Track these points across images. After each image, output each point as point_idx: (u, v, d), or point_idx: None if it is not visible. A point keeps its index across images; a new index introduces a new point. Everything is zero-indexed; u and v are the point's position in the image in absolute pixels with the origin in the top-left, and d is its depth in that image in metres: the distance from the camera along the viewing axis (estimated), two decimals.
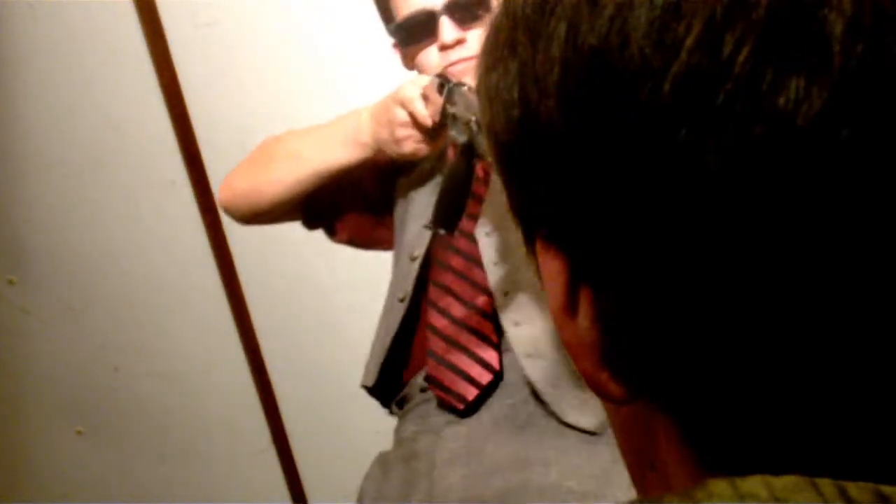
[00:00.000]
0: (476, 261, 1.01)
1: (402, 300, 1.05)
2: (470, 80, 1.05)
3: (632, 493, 0.32)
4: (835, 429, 0.24)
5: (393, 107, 1.00)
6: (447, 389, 0.98)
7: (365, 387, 1.09)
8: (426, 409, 1.02)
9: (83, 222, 1.83)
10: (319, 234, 1.54)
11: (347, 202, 1.20)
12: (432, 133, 0.99)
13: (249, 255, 1.90)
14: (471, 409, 0.98)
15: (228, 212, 1.18)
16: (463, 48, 1.04)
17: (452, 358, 0.98)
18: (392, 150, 1.02)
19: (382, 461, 1.05)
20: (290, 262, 1.91)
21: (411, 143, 1.01)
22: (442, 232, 0.94)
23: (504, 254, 0.98)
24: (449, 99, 0.94)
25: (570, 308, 0.28)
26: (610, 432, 0.93)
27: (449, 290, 1.01)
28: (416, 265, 1.05)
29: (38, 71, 1.70)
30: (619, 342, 0.27)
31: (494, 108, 0.29)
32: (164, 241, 1.86)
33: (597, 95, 0.24)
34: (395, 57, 1.14)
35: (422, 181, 1.12)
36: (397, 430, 1.07)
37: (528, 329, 0.96)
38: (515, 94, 0.27)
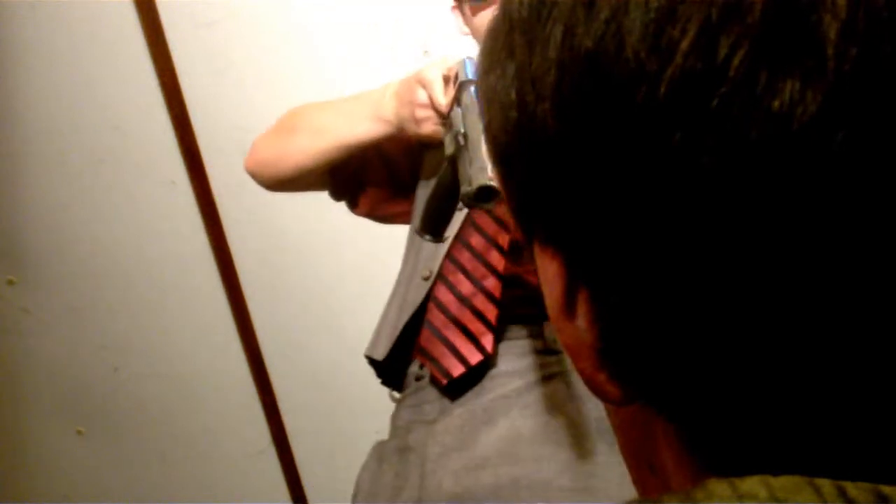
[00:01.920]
0: (496, 244, 0.99)
1: (426, 278, 1.03)
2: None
3: (624, 488, 0.32)
4: (834, 429, 0.24)
5: (415, 86, 0.99)
6: (435, 362, 0.96)
7: (370, 359, 1.06)
8: (421, 396, 1.01)
9: (83, 222, 1.83)
10: (318, 235, 1.54)
11: (371, 176, 1.19)
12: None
13: (249, 255, 1.90)
14: (454, 387, 0.96)
15: (253, 178, 1.17)
16: None
17: (448, 333, 0.97)
18: (412, 129, 1.01)
19: (379, 452, 1.05)
20: (290, 262, 1.91)
21: (430, 125, 0.99)
22: (427, 238, 0.92)
23: None
24: (457, 96, 0.91)
25: (567, 309, 0.28)
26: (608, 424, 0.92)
27: (462, 268, 1.00)
28: (447, 245, 1.02)
29: (39, 71, 1.70)
30: (617, 344, 0.27)
31: (492, 109, 0.29)
32: (164, 241, 1.86)
33: (592, 98, 0.24)
34: (454, 21, 1.10)
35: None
36: (393, 417, 1.06)
37: None
38: (512, 97, 0.27)
